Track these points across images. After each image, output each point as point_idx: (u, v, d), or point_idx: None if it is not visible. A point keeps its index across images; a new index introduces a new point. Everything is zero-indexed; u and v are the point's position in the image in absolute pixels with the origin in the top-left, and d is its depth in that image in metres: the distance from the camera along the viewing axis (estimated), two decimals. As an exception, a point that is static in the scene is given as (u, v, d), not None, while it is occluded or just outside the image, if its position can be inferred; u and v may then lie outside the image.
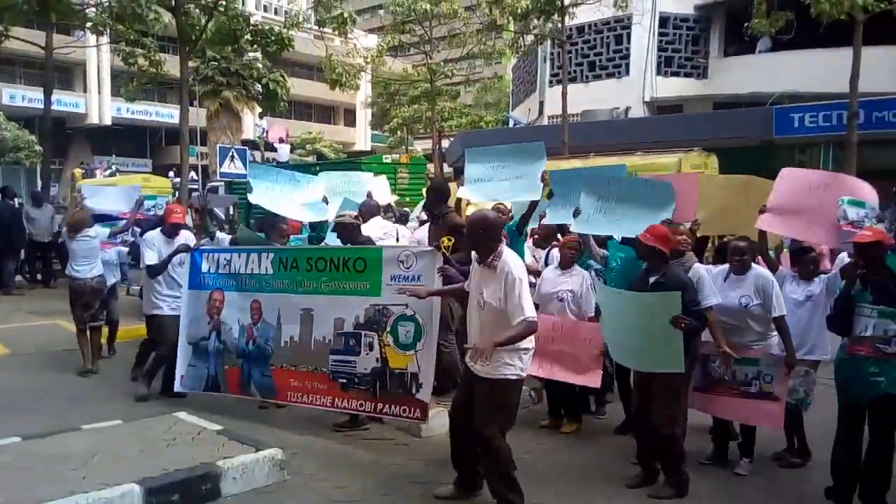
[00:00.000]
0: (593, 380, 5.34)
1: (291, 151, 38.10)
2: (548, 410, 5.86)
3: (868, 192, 4.99)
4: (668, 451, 4.39)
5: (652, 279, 4.41)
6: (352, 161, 13.78)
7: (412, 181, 12.38)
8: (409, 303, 4.93)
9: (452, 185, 7.13)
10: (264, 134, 21.64)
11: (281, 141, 20.07)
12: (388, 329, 5.04)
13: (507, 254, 3.97)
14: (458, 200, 6.47)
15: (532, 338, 3.97)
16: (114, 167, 29.66)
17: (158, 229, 6.49)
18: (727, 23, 21.24)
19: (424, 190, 7.49)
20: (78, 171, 26.14)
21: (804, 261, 5.05)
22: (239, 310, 5.81)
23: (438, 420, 5.50)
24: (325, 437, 5.38)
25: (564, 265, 5.62)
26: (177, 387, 6.10)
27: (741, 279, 4.73)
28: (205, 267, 6.02)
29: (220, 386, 5.95)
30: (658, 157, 11.23)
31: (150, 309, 6.35)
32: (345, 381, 5.24)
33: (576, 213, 5.50)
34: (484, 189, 6.20)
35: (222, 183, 13.50)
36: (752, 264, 4.82)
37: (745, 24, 13.71)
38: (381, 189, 8.55)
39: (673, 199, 5.32)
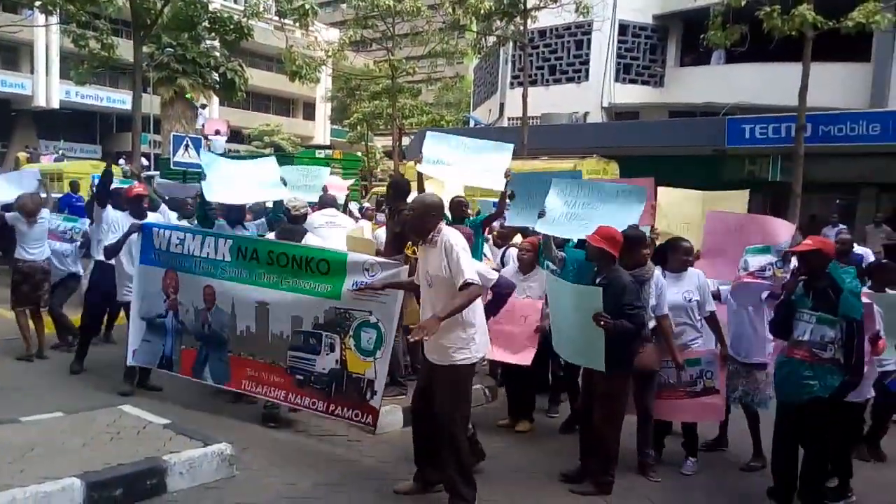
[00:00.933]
0: (526, 358, 5.35)
1: (249, 143, 37.52)
2: (508, 410, 5.84)
3: (781, 232, 5.31)
4: (599, 451, 4.46)
5: (597, 280, 4.48)
6: (283, 155, 13.65)
7: (345, 177, 12.48)
8: (372, 310, 4.94)
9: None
10: (202, 127, 21.03)
11: (217, 133, 19.59)
12: (351, 333, 5.02)
13: (447, 229, 4.05)
14: (420, 178, 6.41)
15: (479, 320, 4.05)
16: (60, 152, 28.67)
17: (123, 211, 6.43)
18: (684, 33, 21.75)
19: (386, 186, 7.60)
20: (23, 155, 25.19)
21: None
22: (193, 292, 5.62)
23: (391, 417, 5.50)
24: (276, 431, 5.30)
25: (524, 269, 5.67)
26: (129, 360, 5.94)
27: (682, 276, 4.93)
28: (157, 243, 5.78)
29: (173, 365, 5.81)
30: (558, 163, 11.56)
31: (122, 296, 6.30)
32: (301, 377, 5.19)
33: (541, 214, 5.52)
34: (443, 170, 6.30)
35: (157, 173, 13.37)
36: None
37: (702, 36, 14.03)
38: (336, 184, 8.75)
39: (642, 204, 5.38)
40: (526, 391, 5.71)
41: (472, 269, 3.88)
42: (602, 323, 4.14)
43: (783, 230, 5.42)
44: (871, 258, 6.83)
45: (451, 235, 3.96)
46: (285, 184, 6.98)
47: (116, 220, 6.39)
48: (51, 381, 6.37)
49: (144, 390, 6.03)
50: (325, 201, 7.38)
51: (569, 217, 5.42)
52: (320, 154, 14.32)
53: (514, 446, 5.33)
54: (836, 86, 17.52)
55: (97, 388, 6.12)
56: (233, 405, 5.76)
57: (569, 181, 5.75)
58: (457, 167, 6.24)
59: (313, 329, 5.15)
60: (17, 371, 6.69)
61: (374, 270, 4.96)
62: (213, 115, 40.08)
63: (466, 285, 3.79)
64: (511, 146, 6.48)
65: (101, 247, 6.36)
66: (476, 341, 4.01)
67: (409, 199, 6.02)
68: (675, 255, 5.01)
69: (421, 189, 6.03)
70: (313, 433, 5.35)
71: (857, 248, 6.62)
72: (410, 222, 4.16)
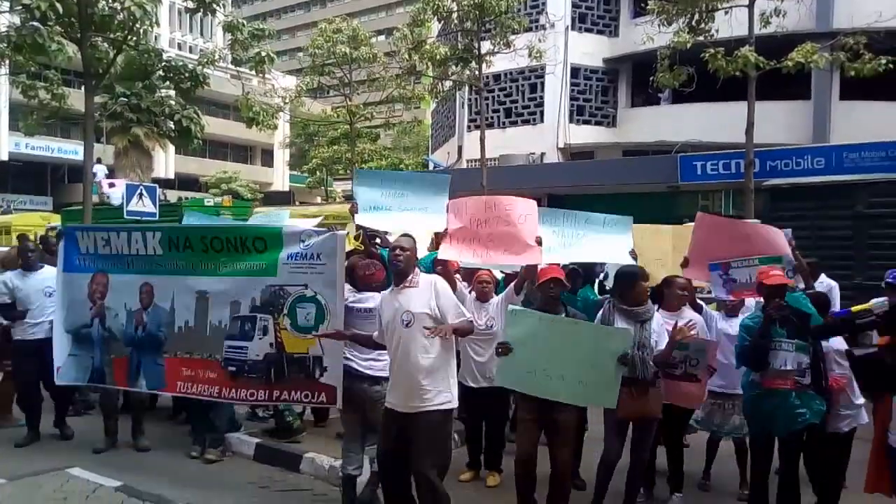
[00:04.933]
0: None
1: (206, 190, 37.09)
2: (467, 462, 5.52)
3: (783, 245, 5.20)
4: (561, 488, 4.33)
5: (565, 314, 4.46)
6: (170, 205, 13.56)
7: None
8: (308, 283, 4.69)
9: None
10: (100, 181, 20.52)
11: (111, 186, 19.45)
12: (286, 311, 4.74)
13: (423, 276, 4.05)
14: (361, 231, 5.83)
15: (455, 366, 4.04)
16: (8, 205, 27.90)
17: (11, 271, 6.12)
18: (633, 75, 22.43)
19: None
20: (-32, 209, 24.43)
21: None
22: (126, 294, 5.30)
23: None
24: (234, 491, 5.07)
25: (483, 298, 5.48)
26: (57, 380, 5.55)
27: (681, 315, 4.79)
28: (82, 247, 5.45)
29: (105, 377, 5.46)
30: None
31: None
32: (234, 368, 4.91)
33: (538, 242, 5.06)
34: (383, 217, 5.58)
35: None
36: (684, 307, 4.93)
37: (651, 78, 14.48)
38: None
39: (630, 234, 5.29)
40: (493, 433, 5.45)
41: (463, 310, 4.04)
42: (628, 362, 4.14)
43: (783, 241, 5.26)
44: (837, 291, 6.74)
45: (435, 277, 4.04)
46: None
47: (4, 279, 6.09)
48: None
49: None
50: None
51: (563, 246, 5.18)
52: (209, 202, 14.39)
53: (484, 495, 5.16)
54: (779, 123, 18.22)
55: (44, 450, 5.81)
56: (190, 463, 5.52)
57: (552, 211, 5.43)
58: (395, 212, 5.55)
59: (249, 313, 4.88)
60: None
61: (309, 239, 4.75)
62: (170, 163, 39.67)
63: (469, 322, 3.96)
64: (447, 177, 5.90)
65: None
66: (453, 388, 3.94)
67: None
68: (671, 292, 4.90)
69: (365, 244, 5.78)
70: (276, 488, 5.14)
71: (822, 279, 6.52)
72: (390, 266, 4.13)
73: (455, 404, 3.98)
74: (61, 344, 5.51)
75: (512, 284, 5.22)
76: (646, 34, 13.70)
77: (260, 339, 4.79)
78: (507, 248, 5.03)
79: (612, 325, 4.43)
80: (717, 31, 13.44)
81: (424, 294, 3.90)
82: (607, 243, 5.13)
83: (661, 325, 4.54)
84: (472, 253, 5.15)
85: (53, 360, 5.52)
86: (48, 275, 5.97)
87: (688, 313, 4.88)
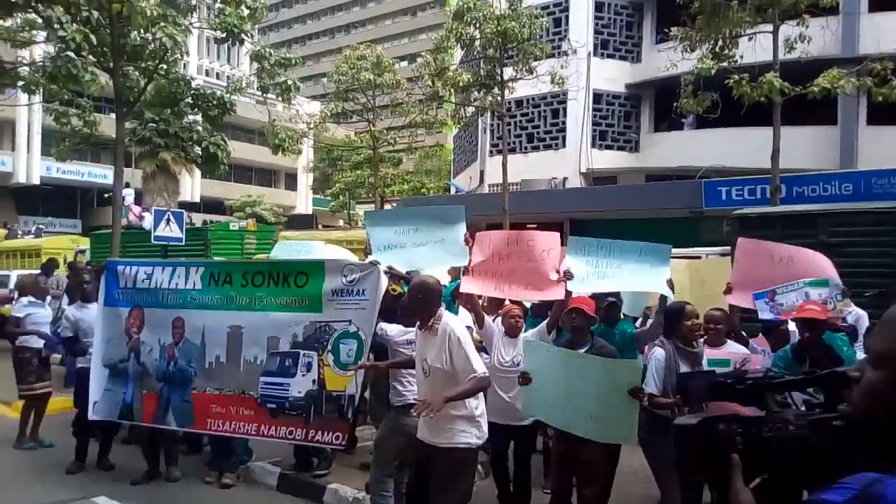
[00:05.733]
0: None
1: (231, 214, 37.58)
2: (497, 494, 5.36)
3: (828, 267, 5.10)
4: None
5: (582, 350, 4.40)
6: (196, 229, 13.74)
7: (259, 247, 12.62)
8: (351, 319, 4.64)
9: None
10: (128, 205, 20.85)
11: (141, 218, 19.93)
12: (330, 347, 4.68)
13: (447, 315, 3.93)
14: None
15: (482, 408, 3.90)
16: (37, 227, 28.48)
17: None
18: (656, 100, 22.42)
19: None
20: (0, 231, 24.98)
21: (777, 334, 5.10)
22: (160, 328, 5.29)
23: None
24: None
25: (512, 334, 5.39)
26: (90, 414, 5.54)
27: (718, 351, 4.54)
28: (121, 282, 5.47)
29: (133, 414, 5.42)
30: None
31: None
32: (274, 406, 4.84)
33: (568, 276, 4.99)
34: (398, 255, 5.45)
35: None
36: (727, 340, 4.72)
37: (675, 104, 14.46)
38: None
39: (668, 266, 5.14)
40: (518, 469, 5.39)
41: (480, 362, 3.76)
42: (642, 396, 4.00)
43: (828, 265, 5.15)
44: (866, 320, 6.49)
45: (454, 326, 3.83)
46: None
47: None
48: (26, 470, 6.07)
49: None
50: None
51: (598, 276, 5.04)
52: (234, 227, 14.54)
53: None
54: (805, 148, 18.05)
55: (72, 478, 5.84)
56: (213, 494, 5.52)
57: (584, 240, 5.27)
58: (409, 248, 5.45)
59: (291, 349, 4.80)
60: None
61: (352, 274, 4.69)
62: (196, 187, 40.30)
63: (479, 379, 3.71)
64: (462, 208, 5.75)
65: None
66: (481, 426, 3.86)
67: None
68: (705, 326, 4.66)
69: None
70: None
71: (850, 308, 6.22)
72: (409, 306, 4.06)
73: (479, 442, 3.88)
74: (98, 378, 5.52)
75: (544, 323, 5.14)
76: (669, 61, 13.70)
77: (303, 375, 4.74)
78: (530, 283, 5.03)
79: (677, 369, 4.20)
80: (741, 56, 13.40)
81: (439, 346, 3.80)
82: (644, 273, 4.99)
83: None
84: (493, 286, 5.17)
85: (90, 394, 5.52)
86: None
87: (733, 347, 4.67)
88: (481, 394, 3.95)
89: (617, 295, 5.76)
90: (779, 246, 5.62)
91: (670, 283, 4.99)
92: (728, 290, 5.23)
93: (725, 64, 13.21)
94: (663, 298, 5.03)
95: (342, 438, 4.70)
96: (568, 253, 5.13)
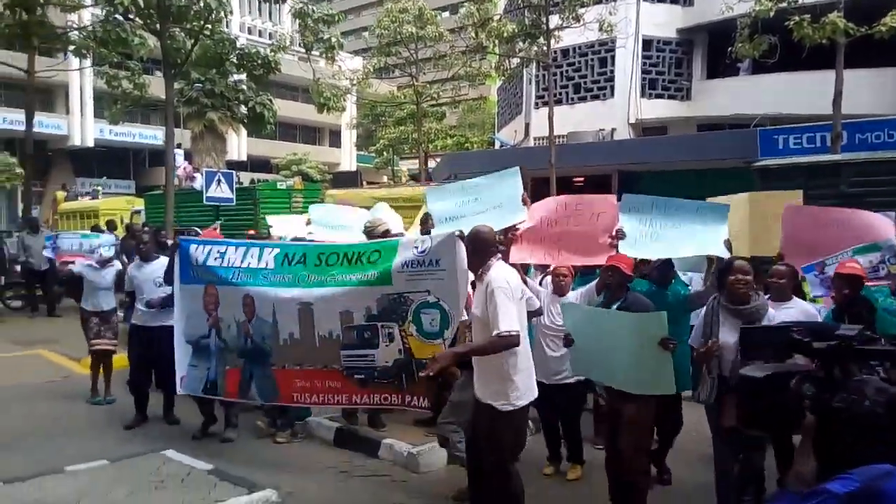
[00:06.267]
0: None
1: (278, 172, 38.05)
2: (547, 456, 5.41)
3: (886, 229, 4.87)
4: (631, 487, 4.19)
5: (616, 307, 4.35)
6: (245, 188, 13.88)
7: (305, 205, 12.78)
8: (430, 289, 4.58)
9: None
10: (180, 165, 21.15)
11: (192, 178, 20.27)
12: (410, 318, 4.67)
13: (496, 267, 3.88)
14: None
15: (526, 363, 3.87)
16: (94, 188, 29.37)
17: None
18: (709, 46, 21.52)
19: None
20: (60, 194, 25.85)
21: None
22: (233, 305, 5.33)
23: (436, 455, 5.38)
24: (316, 475, 5.21)
25: (559, 293, 5.37)
26: (178, 389, 5.66)
27: (784, 308, 4.31)
28: (194, 259, 5.48)
29: (217, 389, 5.52)
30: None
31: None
32: (363, 376, 4.90)
33: (620, 235, 4.93)
34: (460, 224, 5.42)
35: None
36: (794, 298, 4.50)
37: (729, 49, 13.85)
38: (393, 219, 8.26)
39: (726, 225, 4.93)
40: (568, 429, 5.36)
41: (511, 319, 3.65)
42: (672, 346, 3.93)
43: (884, 225, 4.91)
44: None
45: (495, 277, 3.77)
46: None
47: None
48: (97, 424, 6.39)
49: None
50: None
51: (651, 237, 4.92)
52: (282, 185, 14.70)
53: (566, 488, 5.11)
54: (869, 92, 17.13)
55: (139, 432, 6.13)
56: (275, 448, 5.73)
57: (637, 199, 5.13)
58: (470, 217, 5.51)
59: (367, 322, 4.82)
60: (60, 415, 6.73)
61: (424, 245, 4.64)
62: (242, 146, 40.78)
63: (500, 337, 3.62)
64: (517, 169, 5.76)
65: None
66: (518, 388, 3.83)
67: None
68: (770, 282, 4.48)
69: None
70: (356, 474, 5.27)
71: None
72: (468, 258, 4.10)
73: (519, 403, 3.83)
74: (183, 354, 5.61)
75: (593, 284, 5.09)
76: (724, 3, 13.07)
77: (386, 346, 4.76)
78: (579, 248, 4.98)
79: (716, 327, 4.08)
80: (802, -4, 12.71)
81: (483, 295, 3.81)
82: (700, 233, 4.82)
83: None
84: (542, 253, 5.17)
85: (173, 360, 5.63)
86: (160, 265, 6.23)
87: (800, 305, 4.43)
88: (524, 352, 3.88)
89: None
90: (827, 210, 5.36)
91: (728, 244, 4.81)
92: (778, 258, 5.04)
93: (785, 4, 12.53)
94: (719, 259, 4.89)
95: (431, 405, 4.86)
96: (621, 210, 4.98)
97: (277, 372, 5.17)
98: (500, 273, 3.83)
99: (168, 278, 5.79)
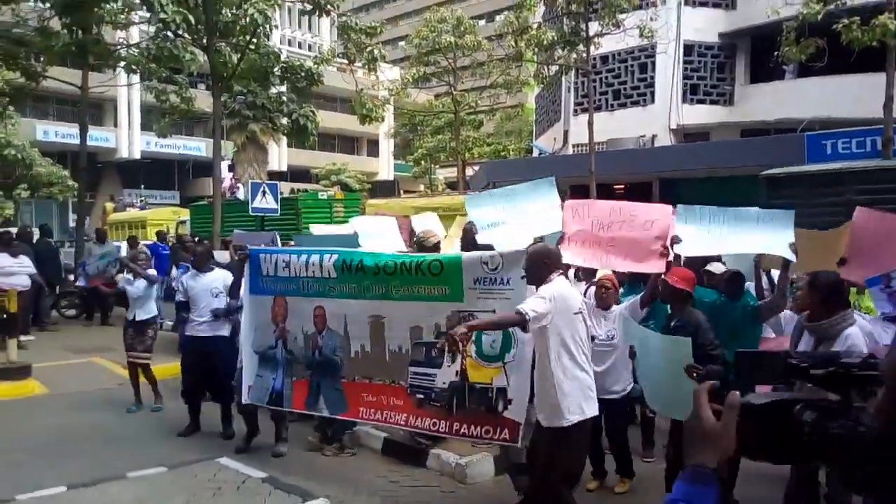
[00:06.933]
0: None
1: (318, 182, 38.61)
2: (591, 471, 5.17)
3: None
4: None
5: (673, 323, 4.32)
6: (288, 199, 14.06)
7: (347, 214, 13.02)
8: (496, 308, 4.34)
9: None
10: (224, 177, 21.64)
11: (235, 189, 20.67)
12: (473, 338, 4.37)
13: (557, 281, 3.92)
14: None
15: (575, 384, 3.85)
16: (143, 200, 30.23)
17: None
18: (752, 50, 21.16)
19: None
20: (109, 205, 26.65)
21: None
22: (302, 317, 5.27)
23: (484, 465, 5.40)
24: (367, 486, 5.26)
25: (603, 305, 5.25)
26: (244, 398, 5.63)
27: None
28: (263, 269, 5.45)
29: (283, 400, 5.45)
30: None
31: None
32: (422, 396, 4.69)
33: (676, 240, 4.87)
34: (504, 231, 5.82)
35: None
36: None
37: (775, 52, 13.59)
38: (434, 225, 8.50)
39: (791, 225, 4.86)
40: (616, 442, 5.27)
41: (535, 307, 3.73)
42: (695, 374, 3.89)
43: None
44: None
45: (548, 287, 3.85)
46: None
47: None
48: (152, 432, 6.57)
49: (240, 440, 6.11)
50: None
51: (708, 239, 4.88)
52: (323, 196, 14.93)
53: (613, 502, 5.08)
54: (922, 94, 16.61)
55: (193, 440, 6.28)
56: (327, 458, 5.80)
57: (693, 208, 5.10)
58: (513, 223, 5.81)
59: (435, 338, 4.59)
60: (119, 422, 6.93)
61: (495, 262, 4.42)
62: (283, 156, 41.49)
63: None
64: (552, 179, 6.06)
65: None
66: (575, 405, 3.84)
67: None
68: None
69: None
70: (405, 483, 5.31)
71: None
72: (527, 273, 4.11)
73: (570, 421, 3.82)
74: (251, 363, 5.60)
75: (638, 297, 5.04)
76: (770, 8, 12.85)
77: (448, 366, 4.53)
78: (629, 254, 4.95)
79: (799, 341, 3.93)
80: (850, -2, 12.42)
81: None
82: (764, 236, 4.77)
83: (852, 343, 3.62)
84: (591, 255, 5.13)
85: (230, 371, 5.76)
86: (216, 276, 6.41)
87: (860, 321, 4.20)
88: (576, 373, 3.86)
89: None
90: (892, 217, 5.04)
91: (793, 248, 4.70)
92: (842, 262, 4.80)
93: (833, 7, 12.27)
94: (786, 265, 4.80)
95: (496, 433, 4.39)
96: (676, 220, 4.95)
97: (347, 385, 5.06)
98: (556, 285, 3.88)
99: (234, 291, 5.86)
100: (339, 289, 5.03)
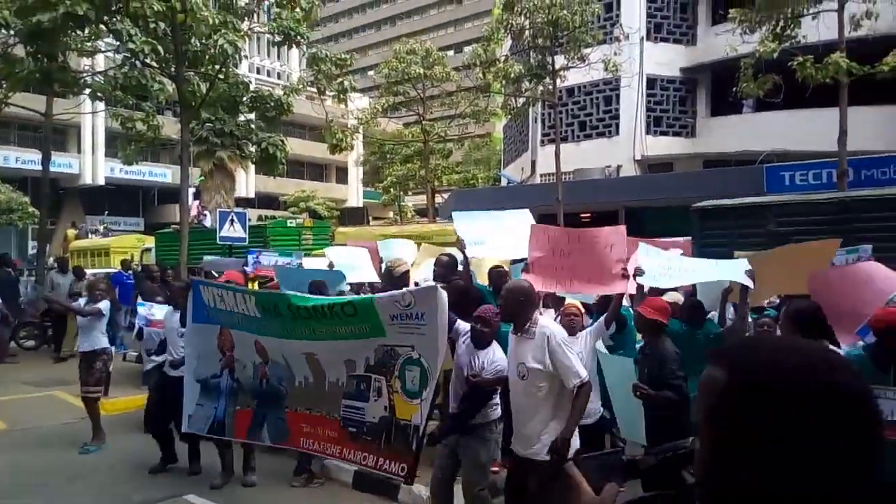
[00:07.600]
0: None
1: (286, 209, 38.38)
2: None
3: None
4: None
5: (645, 351, 4.46)
6: (256, 226, 14.03)
7: (316, 242, 13.12)
8: (413, 344, 4.33)
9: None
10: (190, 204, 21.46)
11: (202, 217, 20.55)
12: (397, 373, 4.38)
13: (544, 321, 3.99)
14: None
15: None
16: (104, 227, 29.66)
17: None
18: (713, 83, 21.84)
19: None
20: (71, 232, 26.11)
21: None
22: (248, 348, 5.20)
23: (456, 500, 5.36)
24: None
25: (570, 332, 5.19)
26: (184, 427, 5.56)
27: None
28: (206, 299, 5.38)
29: (224, 429, 5.36)
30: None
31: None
32: (354, 430, 4.63)
33: (638, 272, 5.03)
34: (489, 247, 6.24)
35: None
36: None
37: (734, 88, 14.06)
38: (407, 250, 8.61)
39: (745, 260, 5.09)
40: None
41: (582, 366, 3.80)
42: (639, 393, 4.02)
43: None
44: None
45: (554, 329, 3.89)
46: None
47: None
48: (117, 469, 6.39)
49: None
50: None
51: (671, 270, 5.05)
52: (291, 223, 14.97)
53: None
54: (875, 129, 17.32)
55: (162, 476, 6.13)
56: (294, 490, 5.72)
57: (653, 249, 5.37)
58: (494, 243, 6.11)
59: (364, 372, 4.56)
60: (78, 458, 6.73)
61: (405, 300, 4.33)
62: (250, 182, 41.22)
63: (580, 386, 3.73)
64: (526, 210, 6.63)
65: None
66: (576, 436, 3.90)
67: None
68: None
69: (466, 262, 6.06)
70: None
71: None
72: (503, 310, 4.12)
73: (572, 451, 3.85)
74: (191, 392, 5.54)
75: (602, 318, 5.14)
76: (728, 45, 13.33)
77: (375, 400, 4.50)
78: (592, 278, 5.07)
79: None
80: (804, 36, 12.95)
81: (538, 348, 3.84)
82: (720, 265, 5.03)
83: None
84: (554, 282, 5.23)
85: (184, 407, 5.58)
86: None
87: None
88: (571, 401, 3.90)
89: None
90: (854, 268, 5.07)
91: (750, 274, 4.86)
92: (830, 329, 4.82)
93: (788, 45, 12.78)
94: (744, 291, 4.93)
95: (406, 471, 4.34)
96: (639, 254, 5.17)
97: (290, 415, 5.03)
98: (552, 325, 3.98)
99: (184, 321, 5.78)
100: (268, 327, 4.98)
